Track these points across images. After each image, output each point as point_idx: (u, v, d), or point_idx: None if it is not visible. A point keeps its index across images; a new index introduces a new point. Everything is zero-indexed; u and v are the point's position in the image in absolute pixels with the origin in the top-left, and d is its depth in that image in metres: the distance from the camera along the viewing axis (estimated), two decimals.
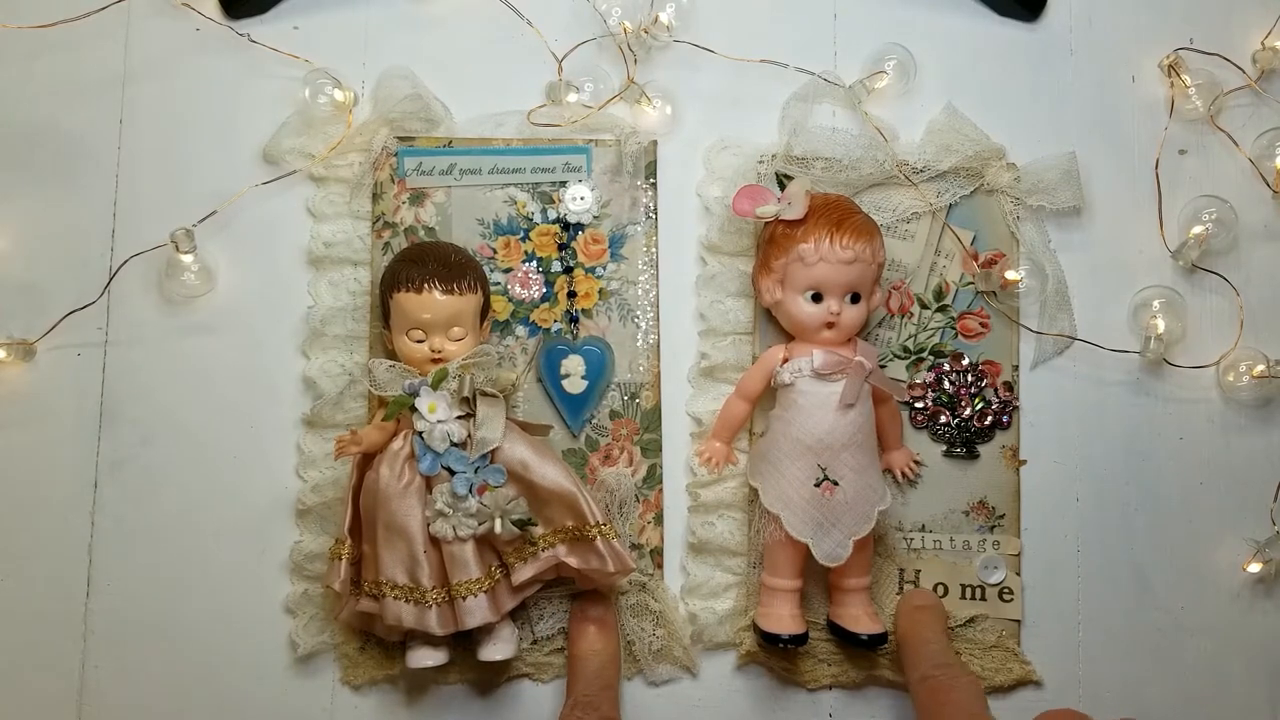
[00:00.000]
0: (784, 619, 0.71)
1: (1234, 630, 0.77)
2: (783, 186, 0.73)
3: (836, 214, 0.71)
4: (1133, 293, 0.78)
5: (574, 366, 0.75)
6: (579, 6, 0.78)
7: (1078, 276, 0.78)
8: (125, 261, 0.75)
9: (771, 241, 0.72)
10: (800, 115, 0.78)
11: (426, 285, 0.69)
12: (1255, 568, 0.76)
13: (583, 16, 0.78)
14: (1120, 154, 0.80)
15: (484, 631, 0.70)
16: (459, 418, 0.69)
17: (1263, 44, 0.80)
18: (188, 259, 0.74)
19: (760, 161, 0.77)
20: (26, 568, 0.74)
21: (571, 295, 0.77)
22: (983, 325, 0.77)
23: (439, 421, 0.69)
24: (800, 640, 0.71)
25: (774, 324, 0.75)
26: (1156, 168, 0.79)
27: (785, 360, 0.72)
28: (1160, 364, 0.77)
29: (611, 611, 0.74)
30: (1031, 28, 0.81)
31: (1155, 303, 0.77)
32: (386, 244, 0.76)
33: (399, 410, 0.70)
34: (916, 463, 0.76)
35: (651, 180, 0.77)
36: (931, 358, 0.77)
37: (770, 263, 0.72)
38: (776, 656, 0.74)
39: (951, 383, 0.76)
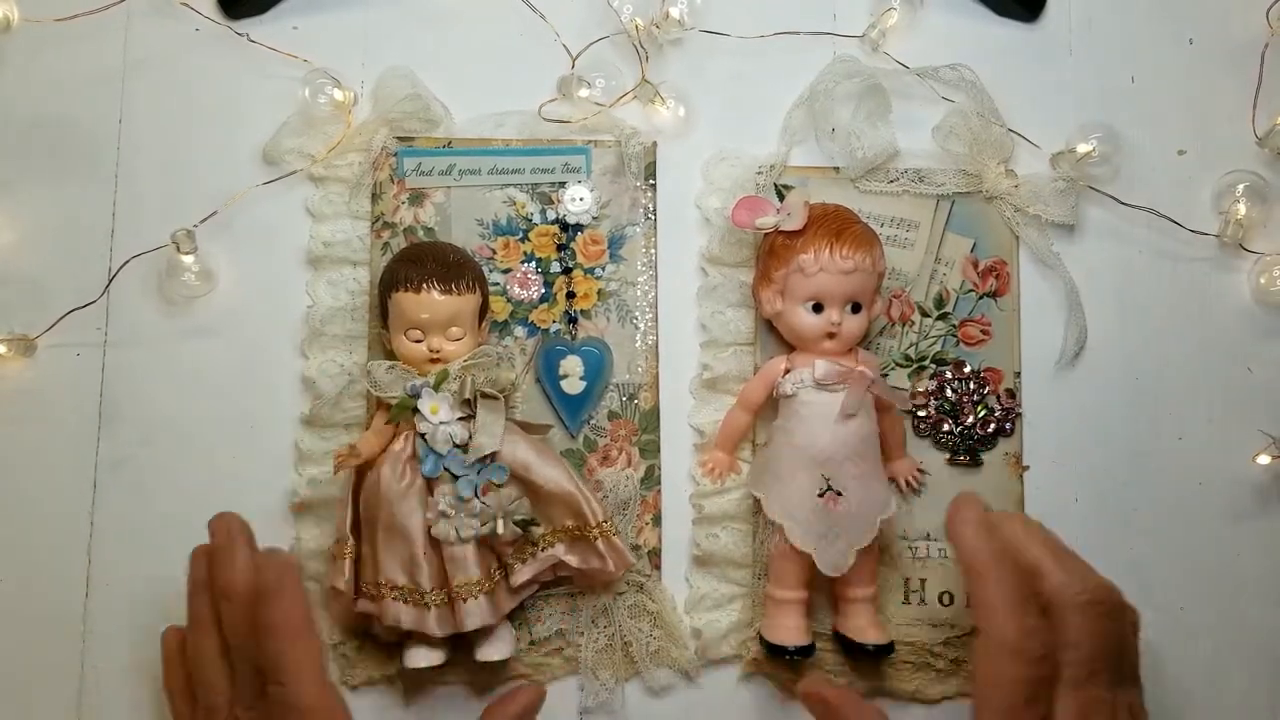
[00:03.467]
0: (789, 630, 0.71)
1: (1234, 630, 0.77)
2: (781, 197, 0.73)
3: (836, 224, 0.71)
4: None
5: (572, 367, 0.75)
6: (590, 2, 0.77)
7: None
8: (125, 262, 0.74)
9: (771, 253, 0.72)
10: (803, 122, 0.77)
11: (425, 285, 0.69)
12: (1265, 459, 0.76)
13: (593, 12, 0.77)
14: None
15: (481, 632, 0.70)
16: (460, 419, 0.69)
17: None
18: (188, 259, 0.74)
19: (759, 172, 0.77)
20: (26, 568, 0.74)
21: (570, 296, 0.76)
22: (984, 332, 0.77)
23: (441, 423, 0.69)
24: (806, 652, 0.71)
25: (775, 335, 0.75)
26: None
27: (787, 371, 0.72)
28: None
29: None
30: (1031, 28, 0.81)
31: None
32: (386, 244, 0.76)
33: (403, 414, 0.70)
34: (920, 471, 0.75)
35: (651, 181, 0.77)
36: (933, 366, 0.76)
37: (770, 274, 0.72)
38: (782, 668, 0.74)
39: (954, 390, 0.76)
